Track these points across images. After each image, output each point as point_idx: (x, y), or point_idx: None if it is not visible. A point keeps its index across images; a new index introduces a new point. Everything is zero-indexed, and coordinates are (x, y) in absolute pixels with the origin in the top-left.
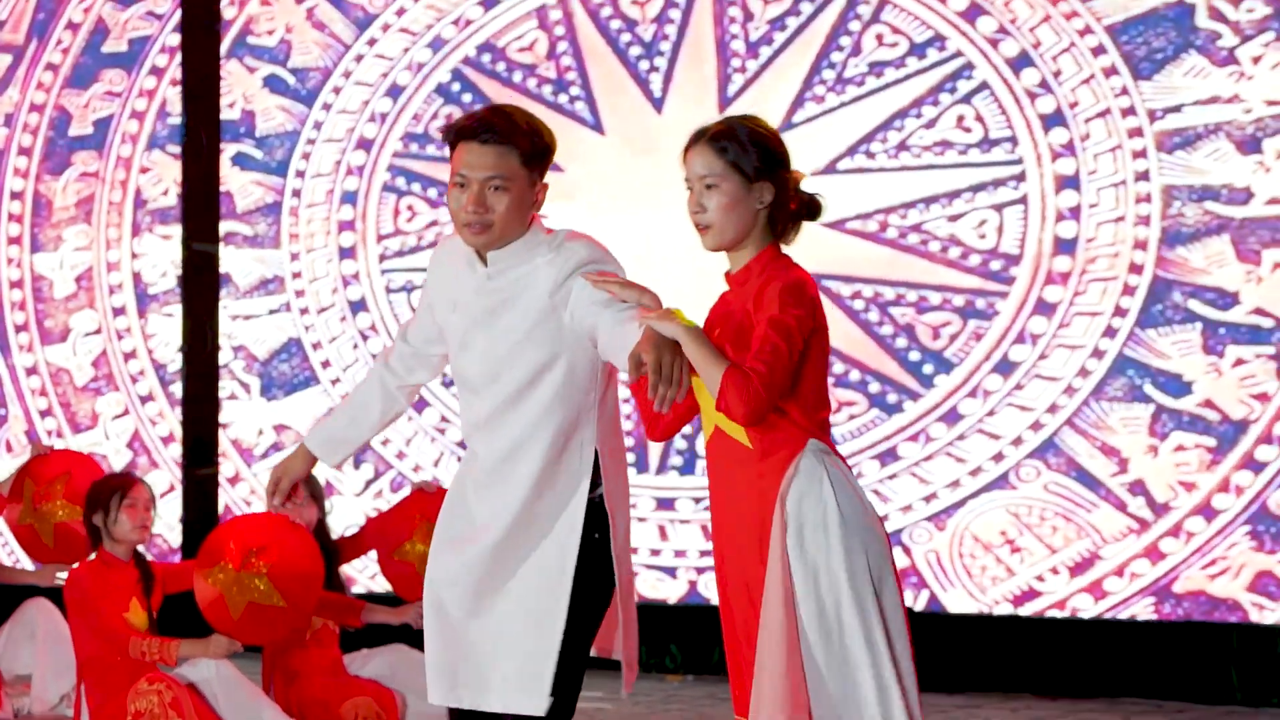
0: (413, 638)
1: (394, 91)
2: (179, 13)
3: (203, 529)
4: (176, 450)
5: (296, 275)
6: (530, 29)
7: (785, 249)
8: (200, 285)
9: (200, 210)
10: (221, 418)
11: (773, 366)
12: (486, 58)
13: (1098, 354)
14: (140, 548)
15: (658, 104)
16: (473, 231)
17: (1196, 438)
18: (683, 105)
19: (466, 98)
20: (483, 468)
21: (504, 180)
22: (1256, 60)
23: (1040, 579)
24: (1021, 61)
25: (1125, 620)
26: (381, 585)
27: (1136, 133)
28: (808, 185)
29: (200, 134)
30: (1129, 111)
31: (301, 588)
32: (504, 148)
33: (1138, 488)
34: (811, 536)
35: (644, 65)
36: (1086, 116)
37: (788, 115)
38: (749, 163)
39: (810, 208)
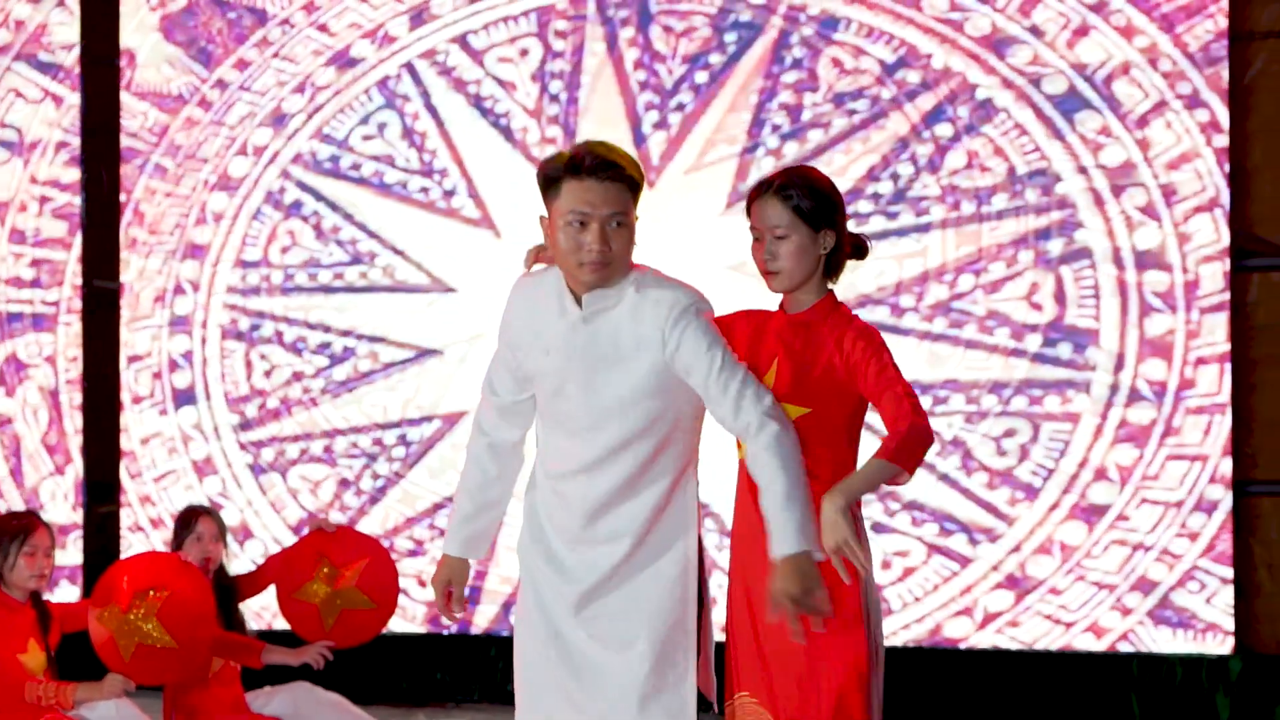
0: (315, 676)
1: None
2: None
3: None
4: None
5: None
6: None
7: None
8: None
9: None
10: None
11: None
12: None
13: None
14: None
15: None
16: (593, 270)
17: None
18: None
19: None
20: (581, 511)
21: (624, 217)
22: None
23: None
24: (1033, 61)
25: None
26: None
27: (1215, 127)
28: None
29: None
30: (1194, 102)
31: (192, 628)
32: (622, 185)
33: None
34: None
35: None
36: (1141, 113)
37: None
38: (815, 213)
39: (858, 249)
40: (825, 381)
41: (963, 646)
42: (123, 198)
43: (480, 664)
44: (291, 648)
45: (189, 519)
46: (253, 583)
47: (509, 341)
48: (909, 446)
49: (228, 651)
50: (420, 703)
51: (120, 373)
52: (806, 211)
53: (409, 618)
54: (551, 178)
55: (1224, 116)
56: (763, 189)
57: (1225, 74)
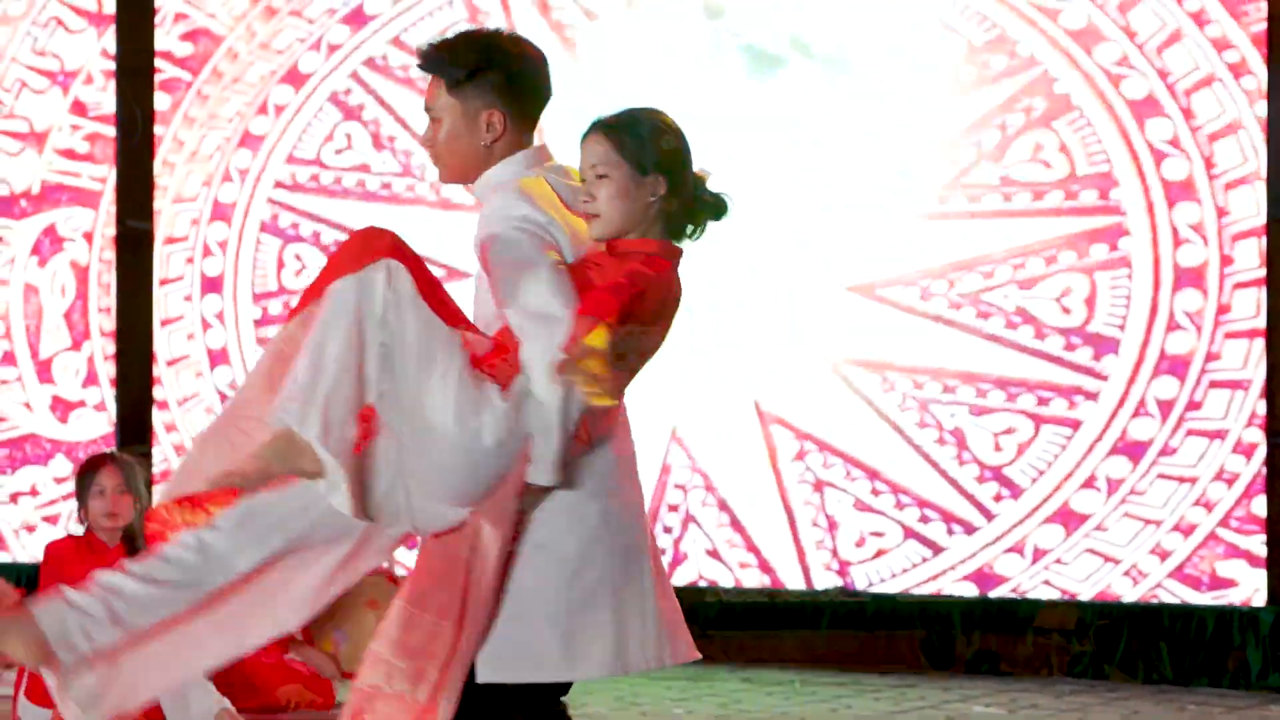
0: None
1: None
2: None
3: None
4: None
5: None
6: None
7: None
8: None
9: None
10: None
11: None
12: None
13: (1226, 478)
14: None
15: None
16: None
17: None
18: None
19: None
20: (625, 473)
21: (431, 110)
22: None
23: None
24: (1124, 67)
25: None
26: None
27: None
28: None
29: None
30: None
31: None
32: (431, 76)
33: None
34: None
35: None
36: (1214, 131)
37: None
38: (646, 156)
39: (714, 206)
40: None
41: None
42: (188, 77)
43: None
44: None
45: (89, 469)
46: None
47: None
48: None
49: None
50: None
51: (154, 252)
52: (631, 149)
53: None
54: None
55: None
56: (594, 126)
57: None
